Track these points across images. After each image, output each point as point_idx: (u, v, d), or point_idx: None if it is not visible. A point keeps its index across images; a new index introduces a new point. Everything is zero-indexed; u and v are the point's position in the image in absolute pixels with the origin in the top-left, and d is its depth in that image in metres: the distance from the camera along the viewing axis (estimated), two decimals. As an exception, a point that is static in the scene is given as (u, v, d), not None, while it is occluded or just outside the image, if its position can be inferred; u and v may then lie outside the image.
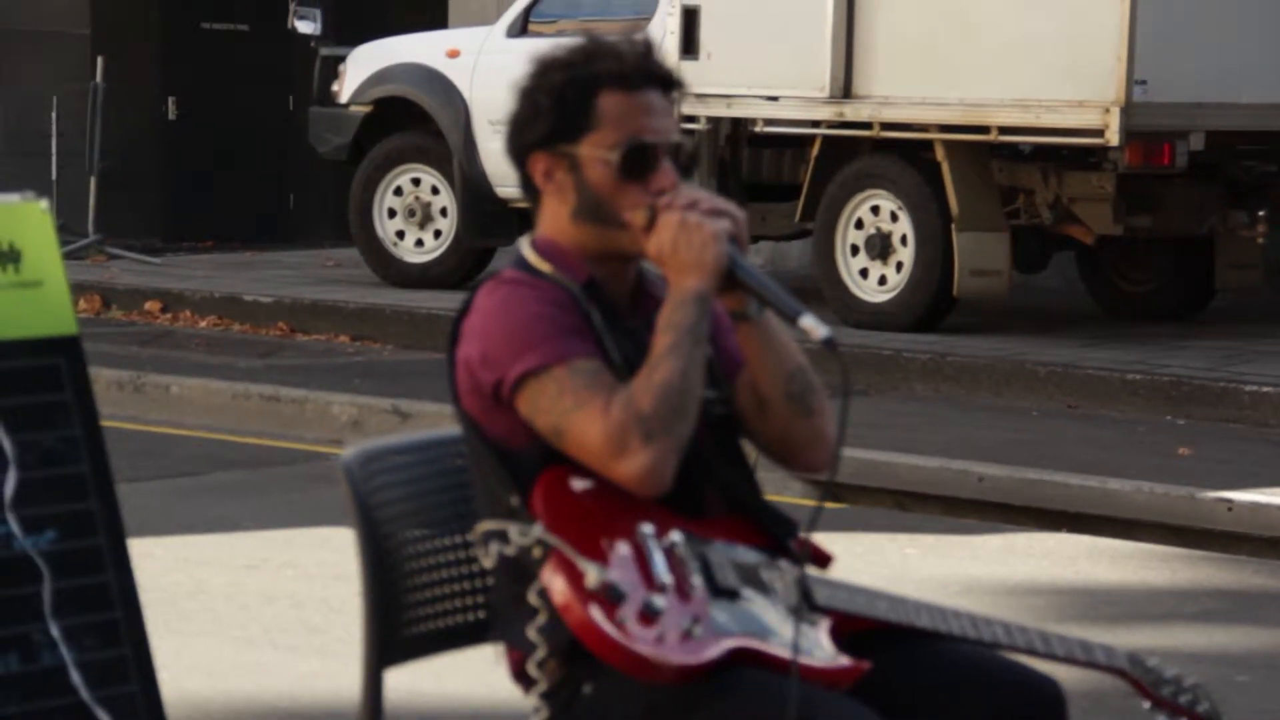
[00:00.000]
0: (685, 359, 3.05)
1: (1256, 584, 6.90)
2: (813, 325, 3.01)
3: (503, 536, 3.09)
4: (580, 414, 3.03)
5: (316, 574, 6.47)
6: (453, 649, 3.34)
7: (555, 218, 3.19)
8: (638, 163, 3.13)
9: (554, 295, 3.13)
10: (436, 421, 8.82)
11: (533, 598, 3.04)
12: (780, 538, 3.16)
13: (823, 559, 3.19)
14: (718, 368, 3.20)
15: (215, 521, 7.27)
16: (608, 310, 3.16)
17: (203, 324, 11.96)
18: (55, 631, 2.86)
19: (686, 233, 3.07)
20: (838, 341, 3.02)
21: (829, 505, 3.21)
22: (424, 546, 3.27)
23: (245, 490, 8.00)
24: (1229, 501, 7.61)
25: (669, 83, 3.19)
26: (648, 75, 3.17)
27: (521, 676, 3.14)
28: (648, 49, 3.19)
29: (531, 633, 3.04)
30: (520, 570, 3.08)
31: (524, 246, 3.22)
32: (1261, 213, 10.85)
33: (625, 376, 3.09)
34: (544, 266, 3.17)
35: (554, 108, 3.15)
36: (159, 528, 6.96)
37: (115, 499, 2.96)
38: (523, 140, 3.19)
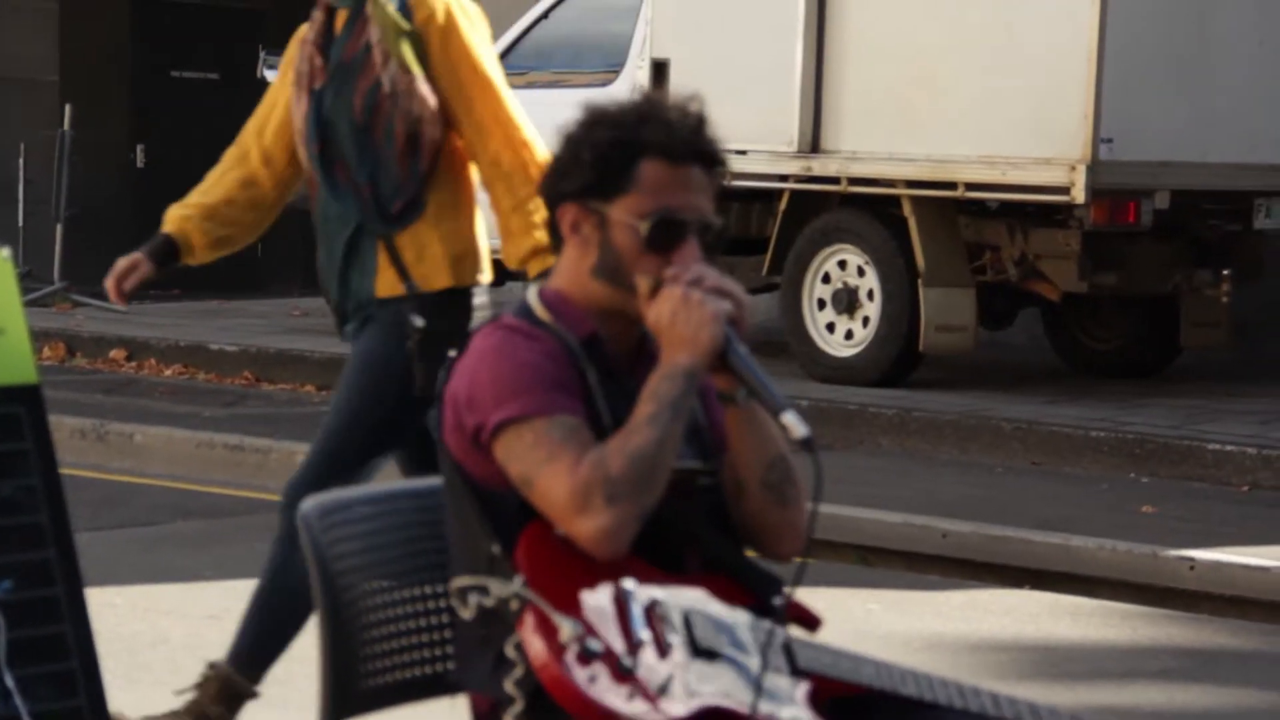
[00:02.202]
0: (662, 431, 3.05)
1: (1218, 643, 6.91)
2: (794, 423, 3.02)
3: (483, 590, 3.09)
4: (550, 467, 3.04)
5: (278, 625, 6.44)
6: (410, 701, 3.32)
7: (574, 269, 3.20)
8: (665, 236, 3.13)
9: (548, 347, 3.14)
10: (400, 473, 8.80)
11: (510, 650, 3.04)
12: (765, 596, 3.16)
13: (811, 622, 3.19)
14: (708, 439, 3.22)
15: (177, 571, 7.25)
16: (605, 367, 3.18)
17: (168, 372, 11.94)
18: (10, 682, 2.84)
19: (687, 308, 3.08)
20: (815, 443, 3.03)
21: (784, 563, 3.21)
22: (383, 599, 3.26)
23: (207, 540, 7.97)
24: (1191, 560, 7.62)
25: (713, 161, 3.19)
26: (694, 151, 3.17)
27: (483, 721, 3.13)
28: (699, 124, 3.19)
29: (509, 686, 3.04)
30: (494, 617, 3.09)
31: (530, 295, 3.23)
32: (1226, 271, 10.90)
33: (613, 435, 3.09)
34: (545, 317, 3.19)
35: (594, 163, 3.15)
36: (120, 577, 6.93)
37: (73, 548, 2.95)
38: (557, 188, 3.20)
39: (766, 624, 3.12)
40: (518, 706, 3.03)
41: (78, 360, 12.29)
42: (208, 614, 6.62)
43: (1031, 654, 6.57)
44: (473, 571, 3.12)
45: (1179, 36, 10.35)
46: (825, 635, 3.24)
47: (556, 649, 2.96)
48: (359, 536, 3.26)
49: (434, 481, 3.33)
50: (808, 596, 3.16)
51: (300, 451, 9.63)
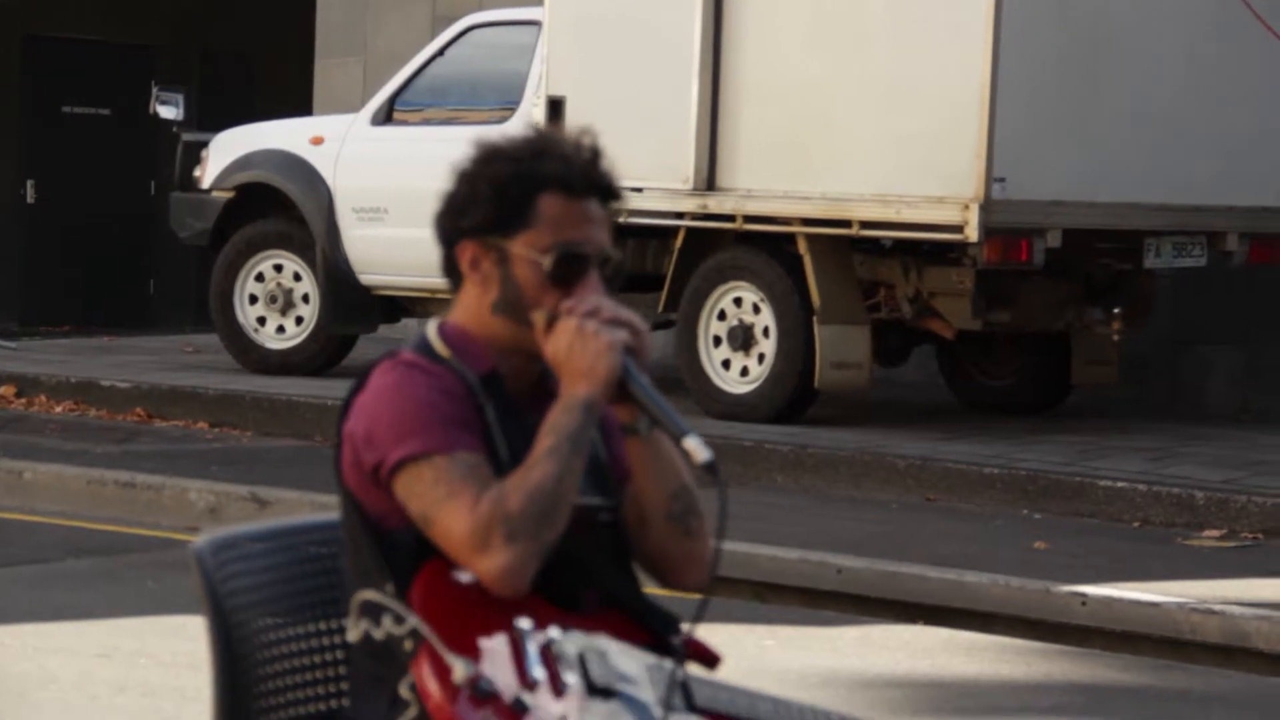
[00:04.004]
0: (561, 464, 3.04)
1: (1109, 678, 6.96)
2: (696, 448, 3.04)
3: (375, 618, 3.07)
4: (450, 504, 3.02)
5: (170, 662, 6.39)
6: (305, 740, 3.30)
7: (474, 306, 3.18)
8: (568, 270, 3.12)
9: (447, 383, 3.12)
10: (295, 508, 8.75)
11: (404, 691, 3.02)
12: (663, 633, 3.16)
13: (710, 659, 3.19)
14: (610, 474, 3.20)
15: (67, 609, 7.17)
16: (504, 404, 3.16)
17: (58, 409, 11.82)
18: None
19: (582, 340, 3.07)
20: (719, 467, 3.03)
21: (688, 595, 3.22)
22: (277, 635, 3.24)
23: (98, 578, 7.90)
24: (1083, 595, 7.67)
25: (609, 194, 3.19)
26: (591, 183, 3.16)
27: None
28: (595, 157, 3.18)
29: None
30: (387, 655, 3.06)
31: (430, 330, 3.21)
32: (1117, 310, 11.00)
33: (512, 471, 3.08)
34: (444, 352, 3.16)
35: (494, 198, 3.13)
36: (8, 616, 6.85)
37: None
38: (455, 224, 3.17)
39: (665, 663, 3.11)
40: (411, 747, 3.01)
41: (-34, 397, 12.15)
42: (98, 652, 6.55)
43: (926, 689, 6.59)
44: (370, 606, 3.09)
45: (1071, 78, 10.45)
46: (720, 672, 3.24)
47: (451, 690, 2.94)
48: (252, 573, 3.24)
49: (328, 517, 3.31)
50: (704, 633, 3.15)
51: (193, 488, 9.60)
